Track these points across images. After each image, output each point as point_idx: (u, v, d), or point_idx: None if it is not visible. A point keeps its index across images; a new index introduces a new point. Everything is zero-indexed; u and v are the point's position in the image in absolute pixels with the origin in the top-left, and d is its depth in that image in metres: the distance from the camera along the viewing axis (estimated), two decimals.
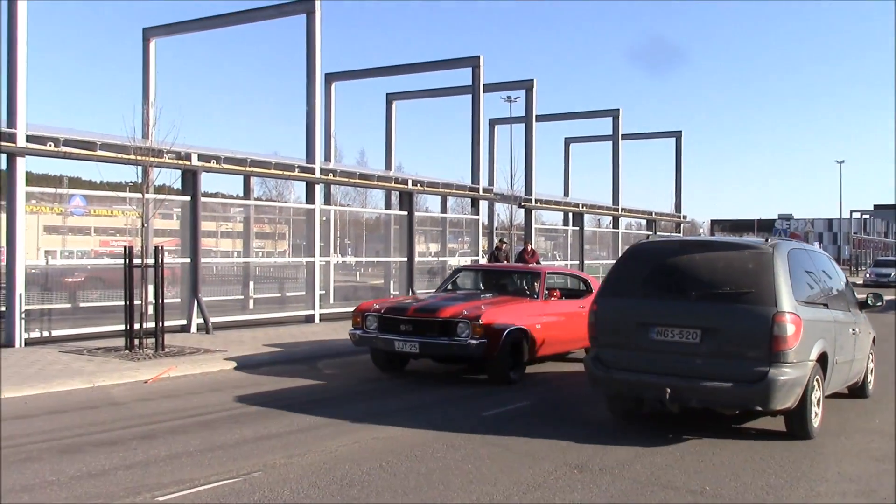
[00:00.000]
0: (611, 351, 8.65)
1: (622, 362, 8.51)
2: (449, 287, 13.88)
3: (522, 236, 28.58)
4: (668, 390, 7.99)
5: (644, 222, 37.78)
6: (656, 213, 37.02)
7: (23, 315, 13.60)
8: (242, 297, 20.33)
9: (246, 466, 6.83)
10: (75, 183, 40.85)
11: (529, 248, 24.04)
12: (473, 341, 10.89)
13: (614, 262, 31.18)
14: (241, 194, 22.28)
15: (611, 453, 7.54)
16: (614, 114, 33.92)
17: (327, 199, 25.37)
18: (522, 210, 28.15)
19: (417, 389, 10.93)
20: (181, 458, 7.06)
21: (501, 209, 34.46)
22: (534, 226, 28.01)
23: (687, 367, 8.06)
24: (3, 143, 13.09)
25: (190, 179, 16.23)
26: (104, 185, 24.74)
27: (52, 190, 16.77)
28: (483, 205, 26.49)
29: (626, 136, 35.31)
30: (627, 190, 72.86)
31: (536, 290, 12.75)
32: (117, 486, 6.23)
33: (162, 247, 13.29)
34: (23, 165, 13.50)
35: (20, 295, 13.51)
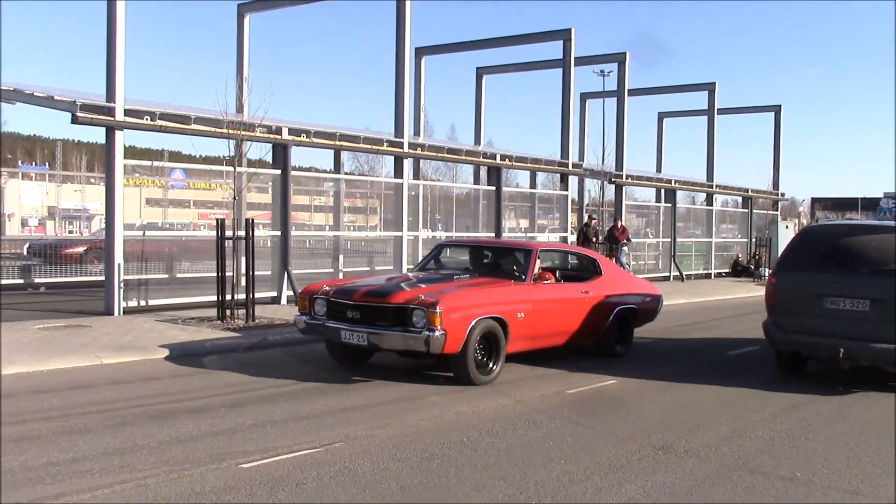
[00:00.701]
0: (788, 317, 10.09)
1: (799, 327, 9.94)
2: (429, 265, 11.89)
3: (613, 213, 28.12)
4: (842, 350, 9.36)
5: (739, 199, 36.67)
6: (753, 191, 35.89)
7: (121, 284, 14.05)
8: (332, 270, 20.57)
9: (328, 437, 6.90)
10: (176, 157, 42.11)
11: (620, 225, 23.67)
12: (430, 333, 8.80)
13: (708, 240, 30.60)
14: (333, 169, 22.48)
15: (698, 435, 7.35)
16: (710, 88, 32.92)
17: (416, 174, 25.41)
18: (613, 186, 27.67)
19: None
20: (266, 427, 7.18)
21: (592, 185, 34.03)
22: (624, 202, 27.51)
23: (858, 331, 9.42)
24: (102, 117, 13.51)
25: (280, 153, 16.46)
26: (203, 160, 25.26)
27: (147, 163, 17.15)
28: (573, 181, 26.15)
29: (721, 111, 34.24)
30: (722, 166, 71.28)
31: (525, 271, 10.61)
32: (203, 451, 6.37)
33: (252, 220, 13.53)
34: (121, 139, 13.89)
35: (118, 265, 13.95)
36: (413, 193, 20.48)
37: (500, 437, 7.12)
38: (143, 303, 14.81)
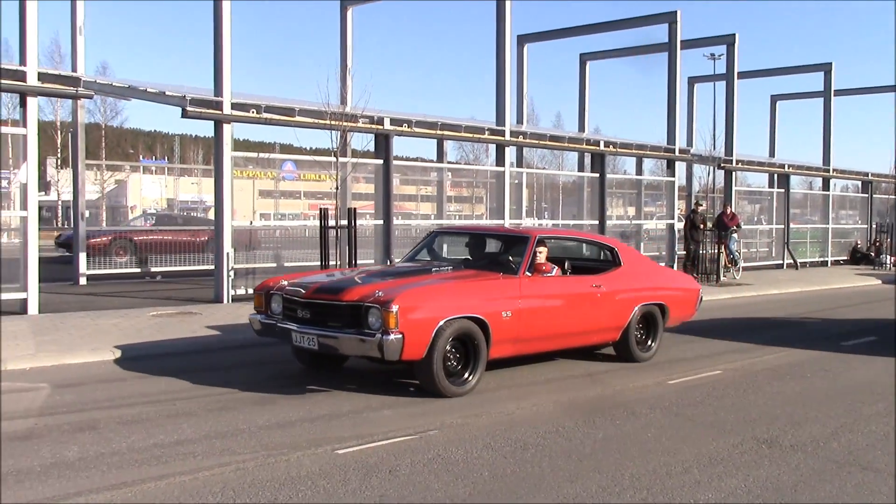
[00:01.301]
0: None
1: None
2: (419, 256, 10.38)
3: (723, 199, 27.32)
4: None
5: (859, 184, 35.06)
6: (873, 174, 34.28)
7: (230, 273, 14.48)
8: None
9: (423, 424, 6.92)
10: (287, 150, 43.12)
11: (729, 212, 22.98)
12: (386, 336, 7.43)
13: (824, 226, 29.37)
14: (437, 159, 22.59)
15: (804, 429, 7.06)
16: (826, 68, 31.55)
17: (520, 163, 25.28)
18: (722, 172, 26.87)
19: (599, 355, 10.67)
20: (362, 414, 7.27)
21: (701, 171, 33.13)
22: (735, 188, 26.70)
23: None
24: (210, 111, 13.93)
25: (382, 143, 16.63)
26: (311, 152, 25.75)
27: (254, 154, 17.58)
28: (680, 167, 25.52)
29: (839, 92, 32.79)
30: (840, 149, 68.18)
31: (519, 262, 9.09)
32: (301, 437, 6.49)
33: (355, 209, 13.72)
34: (229, 131, 14.29)
35: (227, 254, 14.38)
36: (516, 181, 20.41)
37: (596, 427, 7.01)
38: (250, 291, 15.20)
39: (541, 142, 21.27)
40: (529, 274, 8.96)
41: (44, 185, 55.45)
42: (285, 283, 8.72)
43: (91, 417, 6.92)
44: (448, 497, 5.17)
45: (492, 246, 10.22)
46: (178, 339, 10.71)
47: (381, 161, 16.71)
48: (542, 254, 9.31)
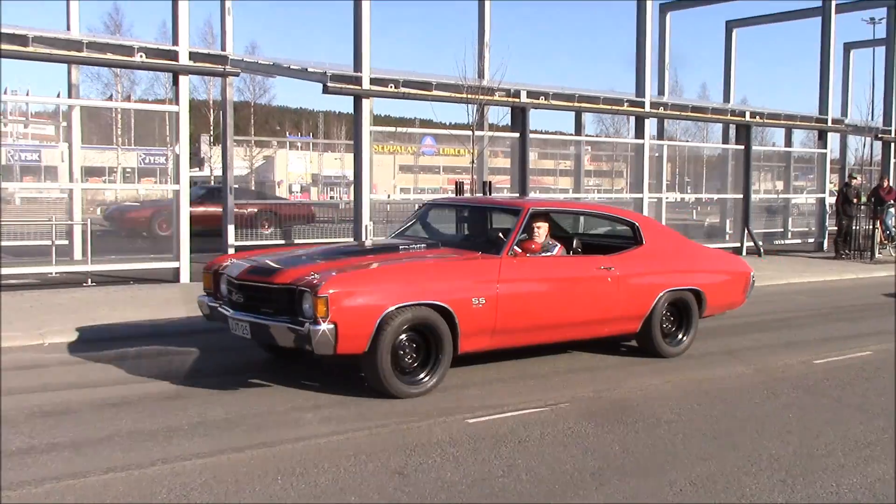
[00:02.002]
0: None
1: None
2: (409, 231, 9.09)
3: (880, 172, 25.81)
4: None
5: None
6: None
7: None
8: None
9: (554, 397, 6.90)
10: (427, 125, 43.62)
11: (886, 185, 21.69)
12: (314, 327, 6.31)
13: None
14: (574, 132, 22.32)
15: None
16: None
17: (661, 135, 24.65)
18: (880, 143, 25.38)
19: (742, 331, 10.32)
20: (493, 385, 7.30)
21: (855, 143, 31.38)
22: (892, 161, 25.16)
23: None
24: (350, 86, 14.22)
25: (519, 116, 16.55)
26: (450, 126, 25.90)
27: (391, 129, 17.85)
28: (833, 138, 24.24)
29: None
30: None
31: (505, 239, 7.69)
32: (432, 405, 6.58)
33: (490, 182, 13.74)
34: (367, 106, 14.56)
35: (366, 227, 14.70)
36: (656, 155, 19.91)
37: (735, 405, 6.80)
38: None
39: (682, 113, 20.65)
40: (515, 253, 7.55)
41: (197, 161, 58.09)
42: (230, 262, 7.69)
43: (234, 380, 7.22)
44: (576, 469, 5.14)
45: (476, 221, 8.94)
46: None
47: (517, 134, 16.64)
48: (540, 229, 8.05)
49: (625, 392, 7.16)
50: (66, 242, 15.25)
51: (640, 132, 18.75)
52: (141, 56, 12.61)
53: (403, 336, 6.74)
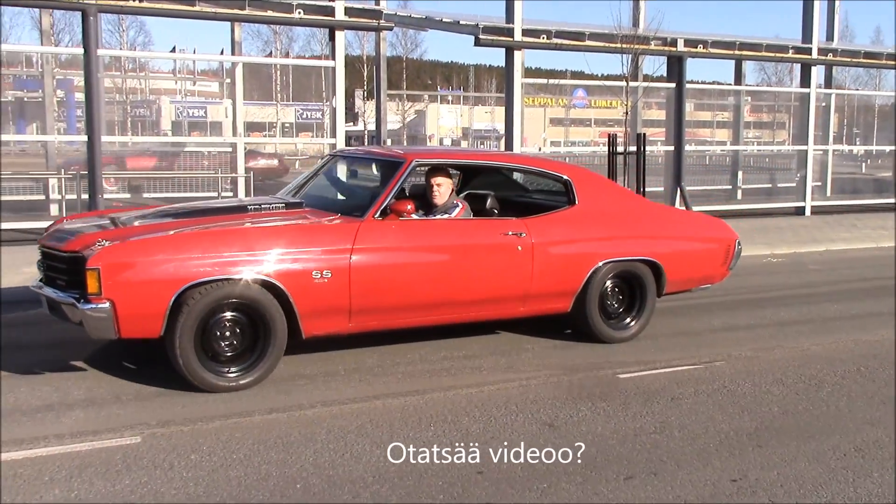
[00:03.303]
0: None
1: None
2: (305, 186, 7.41)
3: None
4: None
5: None
6: None
7: None
8: (730, 187, 19.85)
9: (709, 355, 6.73)
10: (578, 77, 42.91)
11: None
12: (85, 306, 5.32)
13: None
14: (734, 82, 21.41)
15: None
16: None
17: (829, 84, 23.29)
18: None
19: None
20: (644, 341, 7.16)
21: None
22: None
23: None
24: (502, 38, 14.16)
25: (675, 66, 16.00)
26: (602, 77, 25.40)
27: (543, 81, 17.66)
28: None
29: None
30: None
31: (373, 200, 6.33)
32: (583, 359, 6.56)
33: (645, 134, 13.38)
34: (519, 58, 14.46)
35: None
36: (823, 105, 18.86)
37: None
38: None
39: (853, 59, 19.38)
40: (382, 216, 6.17)
41: (352, 116, 59.46)
42: (65, 221, 6.88)
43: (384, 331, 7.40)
44: (732, 430, 5.01)
45: (356, 177, 7.66)
46: None
47: (673, 85, 16.11)
48: (441, 187, 6.77)
49: (784, 352, 6.89)
50: (231, 193, 15.99)
51: (805, 81, 17.78)
52: (299, 13, 12.94)
53: (221, 317, 5.57)
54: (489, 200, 7.16)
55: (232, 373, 5.62)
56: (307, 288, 5.75)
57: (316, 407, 5.27)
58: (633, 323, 7.18)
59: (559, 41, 14.65)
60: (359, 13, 13.75)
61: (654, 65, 16.55)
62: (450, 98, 74.86)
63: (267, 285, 5.63)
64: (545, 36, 14.54)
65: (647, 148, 13.41)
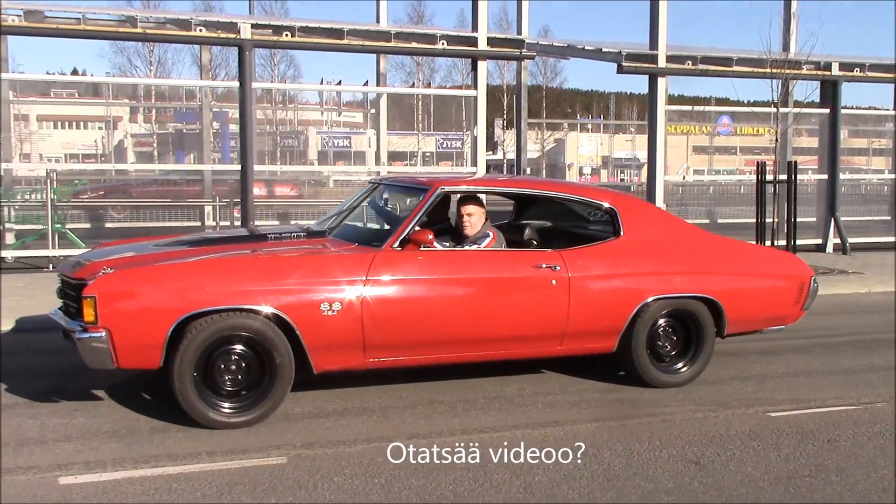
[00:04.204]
0: None
1: None
2: (350, 214, 6.97)
3: None
4: None
5: None
6: None
7: None
8: (889, 217, 18.79)
9: (869, 395, 6.33)
10: (722, 104, 41.86)
11: None
12: (81, 335, 5.20)
13: None
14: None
15: None
16: None
17: None
18: None
19: None
20: (799, 378, 6.85)
21: None
22: None
23: None
24: (645, 65, 13.95)
25: (829, 91, 15.33)
26: (748, 104, 24.74)
27: (688, 107, 17.29)
28: None
29: None
30: None
31: (392, 230, 6.03)
32: (731, 395, 6.30)
33: (795, 162, 12.88)
34: (663, 85, 14.21)
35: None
36: None
37: None
38: None
39: None
40: (401, 247, 5.83)
41: (491, 145, 59.93)
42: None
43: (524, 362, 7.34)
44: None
45: (399, 204, 7.18)
46: None
47: (826, 111, 15.45)
48: (472, 217, 6.40)
49: None
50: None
51: None
52: (443, 44, 13.17)
53: (225, 349, 5.35)
54: (527, 231, 6.88)
55: (232, 408, 5.37)
56: (315, 321, 5.47)
57: (455, 434, 5.27)
58: (685, 368, 6.52)
59: (705, 67, 14.31)
60: (501, 43, 13.87)
61: (806, 90, 15.91)
62: (589, 126, 74.40)
63: (273, 317, 5.38)
64: (690, 62, 14.24)
65: (799, 176, 12.90)
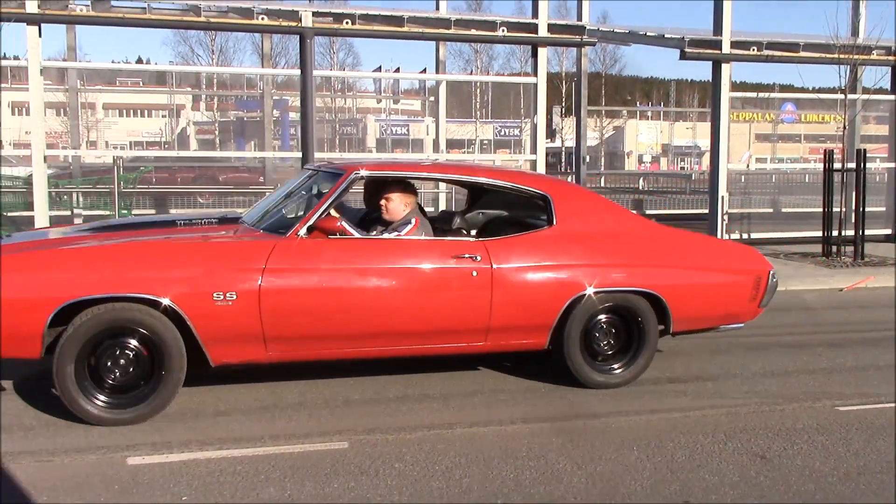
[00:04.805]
0: None
1: None
2: (277, 202, 6.54)
3: None
4: None
5: None
6: None
7: (724, 217, 14.26)
8: None
9: None
10: (787, 90, 40.98)
11: None
12: None
13: None
14: None
15: None
16: None
17: None
18: None
19: None
20: (867, 371, 6.67)
21: None
22: None
23: None
24: (709, 51, 13.72)
25: None
26: (813, 91, 24.19)
27: (753, 94, 16.95)
28: None
29: None
30: None
31: (303, 217, 5.73)
32: (797, 388, 6.17)
33: (864, 150, 12.55)
34: (727, 71, 13.94)
35: (722, 197, 14.16)
36: None
37: None
38: (745, 235, 14.85)
39: None
40: (308, 233, 5.51)
41: (549, 133, 59.72)
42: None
43: None
44: None
45: (305, 191, 6.59)
46: None
47: (894, 97, 15.02)
48: (390, 202, 6.05)
49: None
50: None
51: None
52: (503, 30, 13.09)
53: (114, 342, 5.08)
54: (457, 220, 6.39)
55: (112, 403, 5.07)
56: (207, 311, 5.15)
57: (516, 423, 5.26)
58: (622, 368, 6.09)
59: (771, 53, 14.00)
60: (561, 29, 13.74)
61: (875, 76, 15.47)
62: (649, 114, 73.49)
63: (161, 308, 5.08)
64: (756, 48, 13.94)
65: (867, 165, 12.57)
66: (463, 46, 46.60)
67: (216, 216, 6.65)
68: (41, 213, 11.21)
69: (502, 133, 57.28)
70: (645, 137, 68.15)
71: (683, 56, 13.66)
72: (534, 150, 13.62)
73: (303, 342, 5.48)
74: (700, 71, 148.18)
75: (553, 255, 5.91)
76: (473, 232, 6.70)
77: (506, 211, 6.89)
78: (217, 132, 49.58)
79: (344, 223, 5.64)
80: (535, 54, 13.49)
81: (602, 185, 32.09)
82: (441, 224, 6.37)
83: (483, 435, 5.03)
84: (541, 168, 13.30)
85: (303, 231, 5.48)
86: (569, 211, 6.15)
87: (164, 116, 57.06)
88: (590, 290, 5.86)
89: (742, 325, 6.60)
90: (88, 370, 5.04)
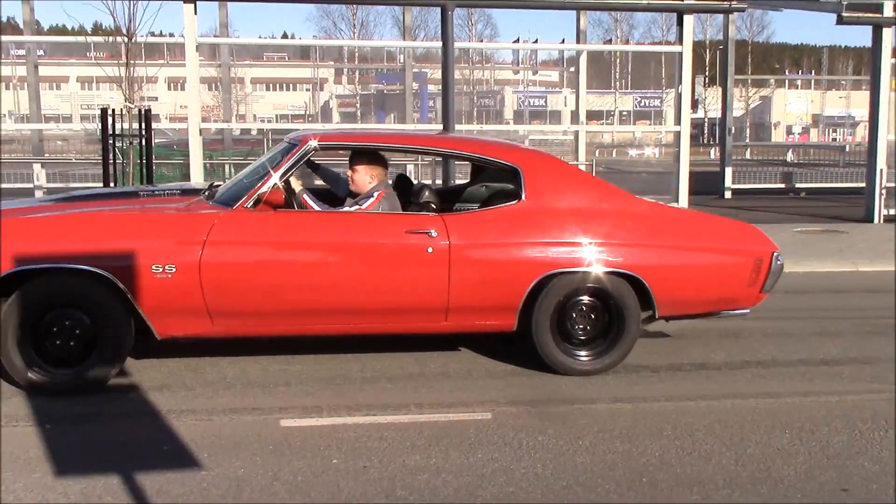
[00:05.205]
0: None
1: None
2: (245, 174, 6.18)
3: None
4: None
5: None
6: None
7: (882, 191, 13.55)
8: None
9: None
10: None
11: None
12: None
13: None
14: None
15: None
16: None
17: None
18: None
19: None
20: None
21: None
22: None
23: None
24: (868, 15, 13.01)
25: None
26: None
27: None
28: None
29: None
30: None
31: (250, 188, 5.46)
32: None
33: None
34: (889, 36, 13.19)
35: (881, 171, 13.44)
36: None
37: None
38: None
39: None
40: (253, 205, 5.32)
41: (692, 104, 58.09)
42: None
43: (733, 326, 7.06)
44: None
45: (261, 164, 6.18)
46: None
47: None
48: (357, 173, 5.80)
49: None
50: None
51: None
52: None
53: (56, 314, 5.04)
54: (425, 193, 5.96)
55: (56, 373, 5.05)
56: (147, 283, 5.05)
57: (660, 401, 5.17)
58: (592, 353, 5.65)
59: None
60: None
61: None
62: (799, 83, 70.16)
63: (101, 279, 5.00)
64: None
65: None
66: (602, 16, 45.77)
67: (178, 188, 6.64)
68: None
69: (642, 104, 56.03)
70: (794, 107, 65.16)
71: (840, 21, 12.97)
72: (678, 121, 13.25)
73: (249, 317, 5.35)
74: (857, 37, 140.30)
75: (520, 231, 5.53)
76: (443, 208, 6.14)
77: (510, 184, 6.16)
78: (358, 105, 50.64)
79: (306, 196, 5.55)
80: (680, 22, 13.06)
81: (748, 156, 30.88)
82: (414, 198, 6.03)
83: (626, 411, 4.97)
84: (684, 140, 12.92)
85: (249, 203, 5.33)
86: (541, 185, 5.69)
87: (307, 90, 58.70)
88: (560, 271, 5.48)
89: (747, 310, 6.02)
90: (33, 340, 5.03)
